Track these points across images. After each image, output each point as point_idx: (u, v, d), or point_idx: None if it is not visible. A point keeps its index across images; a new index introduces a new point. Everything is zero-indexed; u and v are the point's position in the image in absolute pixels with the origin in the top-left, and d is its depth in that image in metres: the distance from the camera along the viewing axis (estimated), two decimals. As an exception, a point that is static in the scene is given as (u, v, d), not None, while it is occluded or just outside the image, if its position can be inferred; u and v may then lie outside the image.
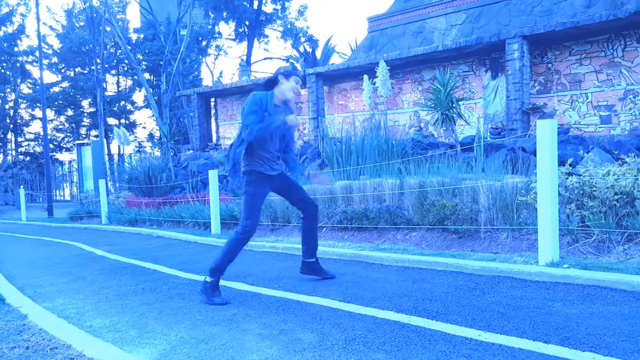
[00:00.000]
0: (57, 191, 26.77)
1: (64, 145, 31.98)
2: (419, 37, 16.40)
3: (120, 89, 32.60)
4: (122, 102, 30.87)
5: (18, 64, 28.46)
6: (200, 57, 29.69)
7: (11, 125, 29.96)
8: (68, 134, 31.99)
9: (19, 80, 29.10)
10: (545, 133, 3.99)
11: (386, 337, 2.68)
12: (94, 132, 31.29)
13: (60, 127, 31.69)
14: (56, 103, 30.01)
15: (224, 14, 27.85)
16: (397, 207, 6.02)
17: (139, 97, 32.18)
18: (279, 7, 29.80)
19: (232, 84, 16.86)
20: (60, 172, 27.83)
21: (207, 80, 31.77)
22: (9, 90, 29.40)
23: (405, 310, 3.16)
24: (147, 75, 29.07)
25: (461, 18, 15.59)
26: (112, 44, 28.71)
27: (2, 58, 27.87)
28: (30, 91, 29.85)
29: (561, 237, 4.37)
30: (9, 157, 29.84)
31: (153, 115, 26.73)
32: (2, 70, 28.38)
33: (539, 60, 11.30)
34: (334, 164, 8.68)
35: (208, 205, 9.01)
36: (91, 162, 18.48)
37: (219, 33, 31.00)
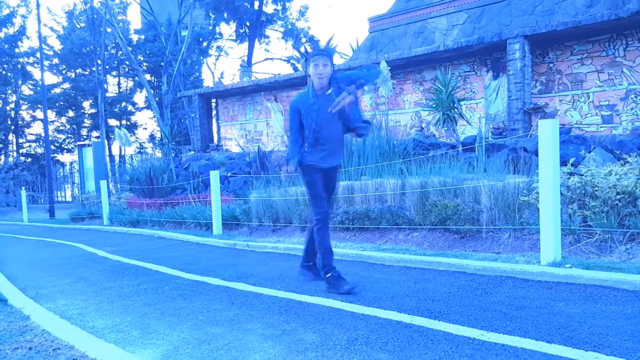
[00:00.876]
0: (59, 192, 26.80)
1: (65, 147, 32.02)
2: (420, 37, 16.40)
3: (121, 90, 32.63)
4: (123, 103, 30.90)
5: (19, 66, 28.52)
6: (201, 58, 29.72)
7: (12, 127, 30.01)
8: (69, 135, 32.03)
9: (20, 82, 29.15)
10: (547, 133, 3.99)
11: (389, 337, 2.68)
12: (95, 133, 31.33)
13: (61, 128, 31.74)
14: (57, 104, 30.05)
15: (225, 14, 27.89)
16: (399, 207, 6.02)
17: (140, 98, 32.23)
18: (279, 7, 29.83)
19: (233, 85, 16.87)
20: (62, 174, 27.86)
21: (208, 81, 31.87)
22: (10, 91, 29.46)
23: (407, 311, 3.16)
24: (148, 76, 29.09)
25: (462, 18, 15.58)
26: (113, 45, 28.75)
27: (3, 59, 27.92)
28: (31, 92, 29.90)
29: (563, 237, 4.37)
30: (10, 159, 29.88)
31: (154, 116, 26.76)
32: (3, 72, 28.44)
33: (540, 60, 11.30)
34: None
35: (209, 206, 9.01)
36: (92, 163, 18.47)
37: (220, 34, 31.04)
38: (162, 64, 23.36)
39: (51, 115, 30.19)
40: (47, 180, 18.80)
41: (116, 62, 30.27)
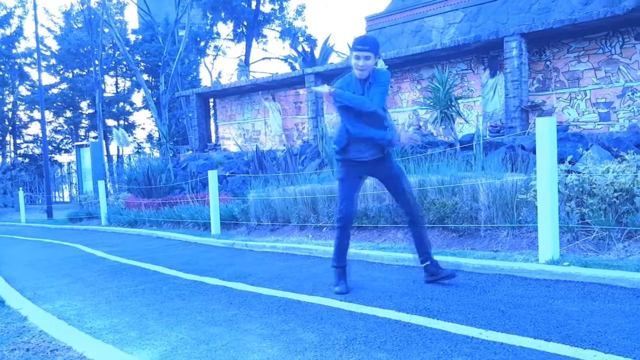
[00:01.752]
0: (57, 193, 26.76)
1: (63, 147, 31.95)
2: (417, 36, 16.40)
3: (118, 90, 32.56)
4: (121, 103, 30.83)
5: (16, 66, 28.44)
6: (199, 57, 29.68)
7: (10, 127, 29.93)
8: (67, 136, 31.95)
9: (17, 82, 29.08)
10: (544, 131, 3.99)
11: (387, 337, 2.68)
12: (92, 134, 31.25)
13: (59, 128, 31.66)
14: (55, 105, 29.97)
15: (222, 14, 27.85)
16: (397, 205, 6.01)
17: (137, 98, 32.17)
18: (277, 7, 29.81)
19: (230, 84, 16.85)
20: (60, 174, 27.81)
21: (205, 81, 31.74)
22: (7, 92, 29.37)
23: (406, 310, 3.16)
24: (145, 76, 29.04)
25: (459, 16, 15.59)
26: (111, 45, 28.68)
27: (0, 60, 27.85)
28: (29, 93, 29.82)
29: (561, 234, 4.37)
30: (8, 159, 29.81)
31: (152, 116, 26.72)
32: (1, 73, 28.36)
33: (537, 58, 11.30)
34: (334, 163, 8.67)
35: (207, 205, 9.00)
36: (90, 163, 18.47)
37: (217, 33, 31.00)
38: (160, 63, 23.32)
39: (49, 115, 30.11)
40: (44, 180, 18.76)
41: (114, 62, 30.20)
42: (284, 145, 15.02)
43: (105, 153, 26.11)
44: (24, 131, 31.60)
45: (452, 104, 8.22)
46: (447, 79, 8.23)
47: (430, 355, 2.38)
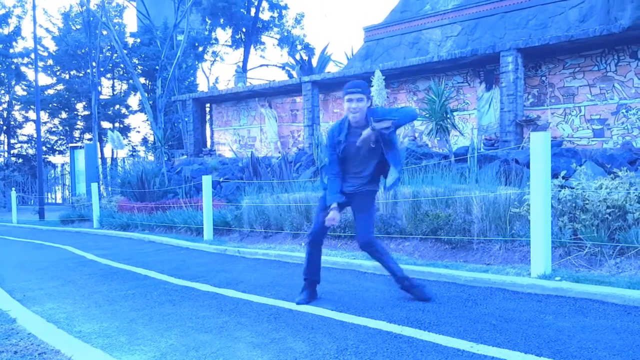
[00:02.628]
0: (49, 194, 26.58)
1: (57, 148, 31.83)
2: (414, 48, 16.51)
3: (115, 93, 32.52)
4: (117, 106, 30.80)
5: (13, 66, 28.36)
6: (197, 62, 29.72)
7: (4, 127, 29.80)
8: (61, 137, 31.84)
9: (13, 82, 28.99)
10: (538, 145, 4.01)
11: (378, 348, 2.67)
12: (87, 136, 31.17)
13: (53, 129, 31.56)
14: (50, 105, 29.90)
15: (221, 20, 27.96)
16: (391, 216, 6.02)
17: (133, 101, 32.14)
18: (276, 14, 29.96)
19: (227, 90, 16.87)
20: (53, 175, 27.65)
21: (202, 86, 31.80)
22: (3, 91, 29.28)
23: (397, 321, 3.15)
24: (142, 80, 29.03)
25: (457, 30, 15.71)
26: (108, 47, 28.68)
27: (-3, 59, 27.78)
28: (25, 93, 29.74)
29: (553, 249, 4.39)
30: (1, 159, 29.65)
31: (148, 120, 26.66)
32: (-3, 72, 28.29)
33: (533, 73, 11.40)
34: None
35: (201, 210, 8.96)
36: (84, 165, 18.35)
37: (216, 39, 31.07)
38: (157, 67, 23.33)
39: (44, 116, 30.01)
40: (37, 181, 18.65)
41: (111, 65, 30.19)
42: (279, 152, 15.02)
43: (99, 155, 26.01)
44: (19, 131, 31.48)
45: (448, 116, 8.27)
46: (443, 91, 8.28)
47: (420, 368, 2.37)
